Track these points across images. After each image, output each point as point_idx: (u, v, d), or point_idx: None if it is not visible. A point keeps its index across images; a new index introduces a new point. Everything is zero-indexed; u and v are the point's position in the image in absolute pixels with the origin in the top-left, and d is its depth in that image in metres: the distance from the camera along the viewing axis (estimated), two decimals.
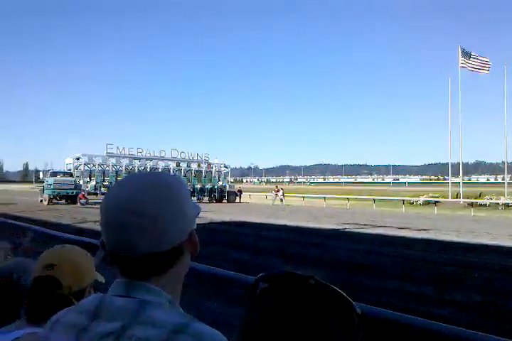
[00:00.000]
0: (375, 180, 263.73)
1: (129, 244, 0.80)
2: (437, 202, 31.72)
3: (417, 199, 36.57)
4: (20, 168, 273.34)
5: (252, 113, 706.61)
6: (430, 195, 39.60)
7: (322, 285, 0.60)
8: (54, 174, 32.28)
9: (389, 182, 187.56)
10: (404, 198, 34.55)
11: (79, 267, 1.33)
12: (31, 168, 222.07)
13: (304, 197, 38.53)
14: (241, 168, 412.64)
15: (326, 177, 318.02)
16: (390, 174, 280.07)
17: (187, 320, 0.77)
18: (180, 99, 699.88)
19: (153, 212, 0.80)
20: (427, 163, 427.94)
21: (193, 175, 42.83)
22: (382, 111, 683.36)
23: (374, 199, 33.41)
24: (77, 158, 37.20)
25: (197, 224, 0.91)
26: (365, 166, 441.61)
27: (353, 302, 0.61)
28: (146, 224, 0.79)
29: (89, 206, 27.79)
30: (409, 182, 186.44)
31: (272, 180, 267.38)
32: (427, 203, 34.48)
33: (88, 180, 37.09)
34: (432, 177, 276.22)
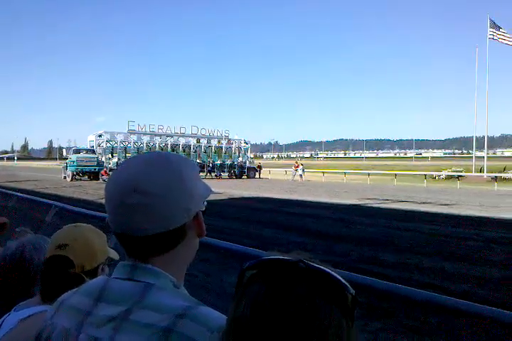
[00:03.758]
0: (397, 155, 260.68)
1: (132, 224, 0.79)
2: (460, 176, 31.12)
3: (439, 173, 36.03)
4: (45, 146, 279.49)
5: (272, 89, 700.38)
6: (453, 169, 38.98)
7: (312, 268, 0.58)
8: (77, 151, 32.81)
9: (411, 157, 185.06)
10: (426, 173, 34.05)
11: (91, 246, 1.33)
12: (55, 145, 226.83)
13: (324, 173, 38.33)
14: (261, 144, 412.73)
15: (347, 152, 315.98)
16: (412, 148, 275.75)
17: (191, 304, 0.76)
18: (204, 76, 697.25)
19: (156, 192, 0.78)
20: (450, 137, 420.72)
21: (213, 151, 42.88)
22: (404, 85, 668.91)
23: (395, 174, 32.82)
24: (100, 136, 37.53)
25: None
26: (387, 141, 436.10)
27: (346, 283, 0.58)
28: (148, 203, 0.77)
29: None
30: (431, 157, 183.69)
31: (292, 156, 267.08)
32: (449, 177, 33.91)
33: (110, 156, 37.44)
34: (456, 151, 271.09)
